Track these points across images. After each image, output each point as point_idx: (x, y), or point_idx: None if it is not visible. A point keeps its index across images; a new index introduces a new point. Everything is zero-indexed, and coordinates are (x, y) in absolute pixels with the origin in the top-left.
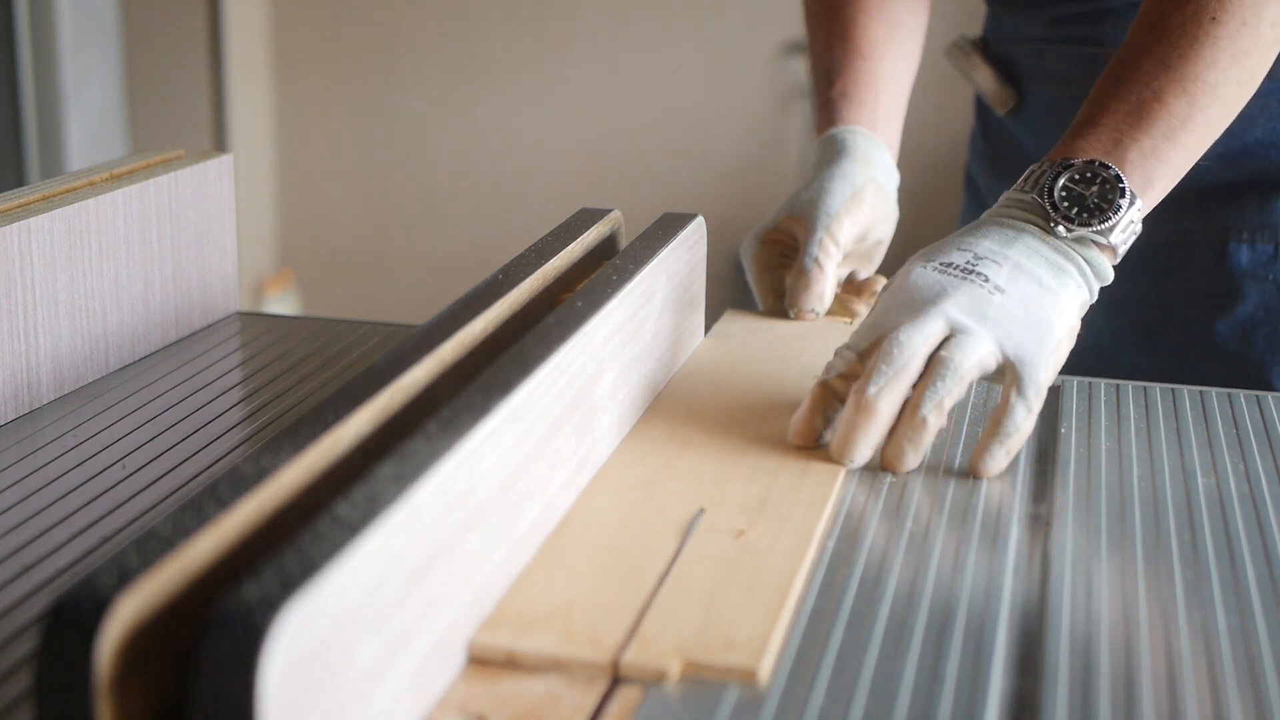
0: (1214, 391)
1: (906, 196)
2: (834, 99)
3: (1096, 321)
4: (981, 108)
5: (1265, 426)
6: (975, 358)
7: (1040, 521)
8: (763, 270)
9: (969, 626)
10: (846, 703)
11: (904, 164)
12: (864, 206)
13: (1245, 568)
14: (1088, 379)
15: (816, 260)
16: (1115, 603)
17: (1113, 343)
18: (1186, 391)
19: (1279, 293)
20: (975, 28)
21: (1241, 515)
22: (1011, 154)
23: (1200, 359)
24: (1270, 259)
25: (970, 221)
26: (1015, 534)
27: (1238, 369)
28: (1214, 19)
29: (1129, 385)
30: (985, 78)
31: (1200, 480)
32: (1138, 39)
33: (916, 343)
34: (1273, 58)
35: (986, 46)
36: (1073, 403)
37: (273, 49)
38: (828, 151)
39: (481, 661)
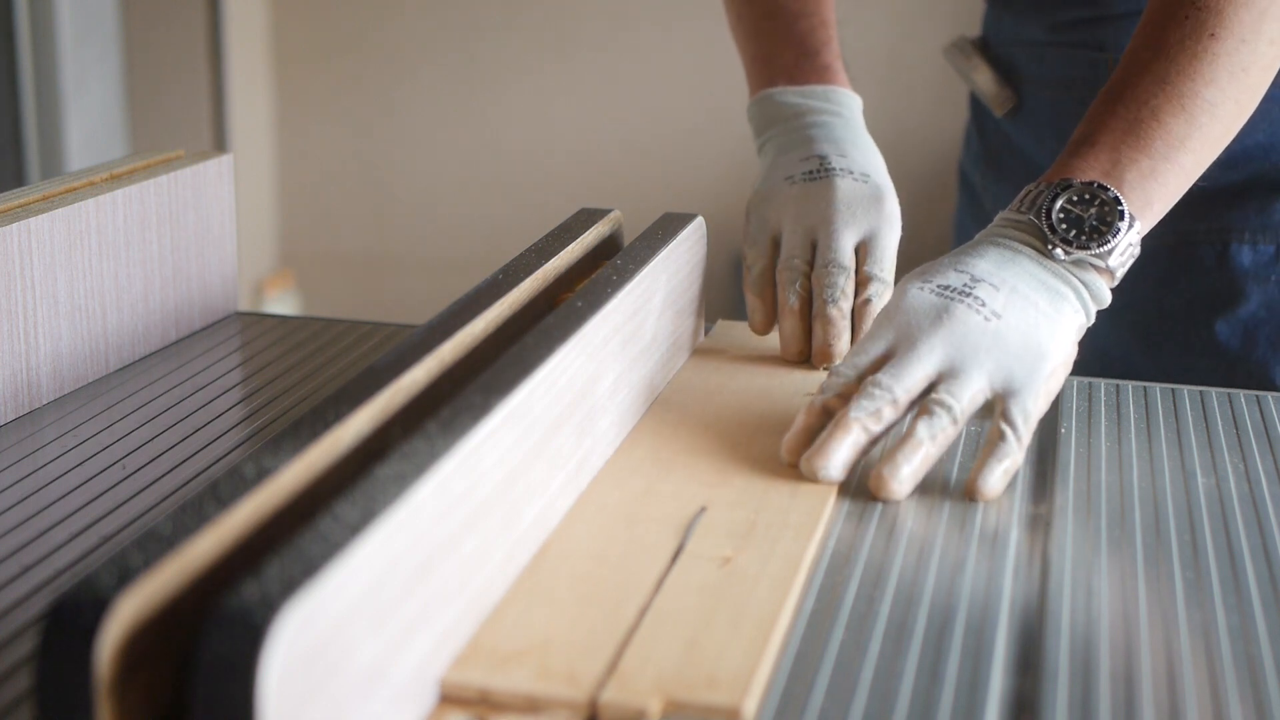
0: (1214, 391)
1: (900, 196)
2: (819, 48)
3: (1099, 324)
4: (977, 107)
5: (1265, 426)
6: (968, 397)
7: (1040, 522)
8: (770, 297)
9: (969, 627)
10: None
11: (899, 163)
12: (878, 222)
13: (1245, 568)
14: (1088, 379)
15: (840, 308)
16: (1115, 603)
17: (1115, 345)
18: (1186, 391)
19: None
20: (974, 27)
21: (1241, 515)
22: (1009, 156)
23: (1202, 359)
24: (1272, 259)
25: (966, 219)
26: (1015, 535)
27: (1240, 368)
28: (1213, 35)
29: (1129, 385)
30: (985, 79)
31: (1200, 480)
32: (1136, 55)
33: (905, 376)
34: (1272, 75)
35: (986, 47)
36: (1073, 403)
37: (273, 49)
38: (839, 130)
39: (454, 701)
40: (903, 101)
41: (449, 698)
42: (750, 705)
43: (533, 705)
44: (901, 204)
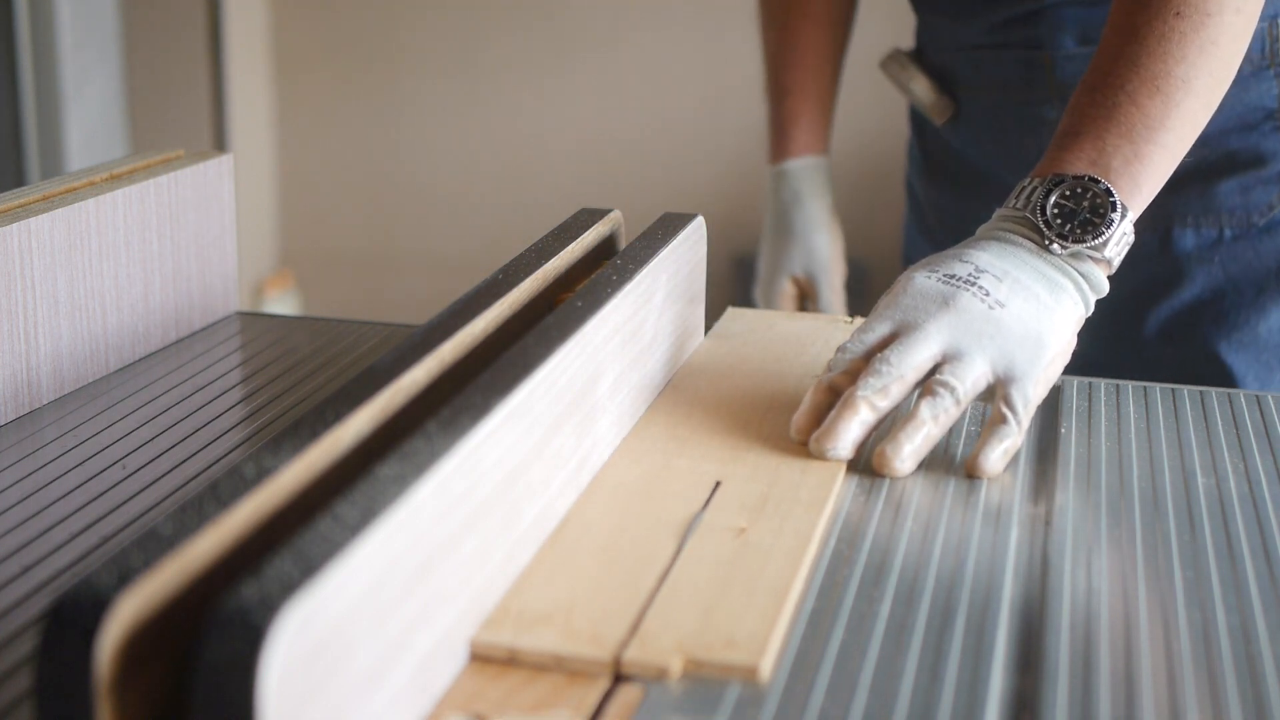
0: (1214, 391)
1: (847, 207)
2: (787, 123)
3: None
4: (917, 119)
5: (1265, 426)
6: (970, 380)
7: (1040, 521)
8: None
9: (969, 626)
10: (847, 701)
11: (895, 160)
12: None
13: (1245, 568)
14: (1088, 379)
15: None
16: (1115, 602)
17: None
18: (1186, 391)
19: (1224, 273)
20: (906, 37)
21: (1241, 515)
22: (950, 163)
23: (1149, 344)
24: (1214, 243)
25: (913, 231)
26: (1015, 534)
27: (1188, 348)
28: (1178, 14)
29: (1129, 385)
30: (923, 88)
31: (1200, 480)
32: (1109, 41)
33: (912, 355)
34: (1245, 43)
35: (922, 57)
36: (1073, 403)
37: (273, 49)
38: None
39: (483, 659)
40: (893, 100)
41: (479, 657)
42: (767, 664)
43: (559, 663)
44: (844, 214)
